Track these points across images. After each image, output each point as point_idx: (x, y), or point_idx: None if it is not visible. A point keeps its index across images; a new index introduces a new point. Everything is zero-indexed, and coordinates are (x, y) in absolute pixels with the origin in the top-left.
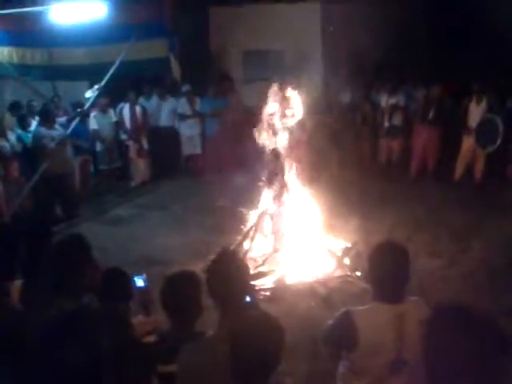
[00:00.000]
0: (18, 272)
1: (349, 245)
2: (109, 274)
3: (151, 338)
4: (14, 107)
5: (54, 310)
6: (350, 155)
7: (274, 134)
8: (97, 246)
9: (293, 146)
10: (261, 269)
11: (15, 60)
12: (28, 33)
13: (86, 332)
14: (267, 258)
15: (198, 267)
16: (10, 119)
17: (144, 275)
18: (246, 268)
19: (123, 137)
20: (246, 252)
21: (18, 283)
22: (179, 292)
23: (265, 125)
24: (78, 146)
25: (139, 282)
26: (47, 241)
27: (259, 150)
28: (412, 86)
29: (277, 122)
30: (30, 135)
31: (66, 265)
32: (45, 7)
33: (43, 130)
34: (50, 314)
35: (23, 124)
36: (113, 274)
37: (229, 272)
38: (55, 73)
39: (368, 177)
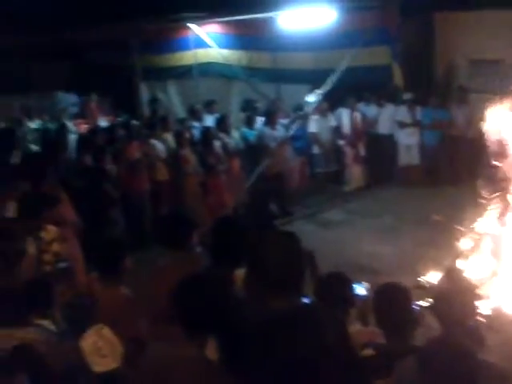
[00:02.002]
0: (242, 262)
1: None
2: (331, 278)
3: (368, 352)
4: (247, 105)
5: (274, 304)
6: None
7: (503, 150)
8: (306, 247)
9: None
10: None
11: (243, 63)
12: (256, 37)
13: (316, 329)
14: (484, 283)
15: (407, 280)
16: (239, 117)
17: (366, 284)
18: (473, 290)
19: (340, 142)
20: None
21: (240, 272)
22: (395, 305)
23: (492, 141)
24: (296, 148)
25: (360, 289)
26: (270, 235)
27: (483, 165)
28: None
29: (507, 138)
30: (254, 133)
31: (284, 260)
32: (275, 13)
33: (267, 130)
34: (267, 306)
35: (250, 122)
36: (335, 278)
37: (455, 292)
38: (279, 76)
39: None
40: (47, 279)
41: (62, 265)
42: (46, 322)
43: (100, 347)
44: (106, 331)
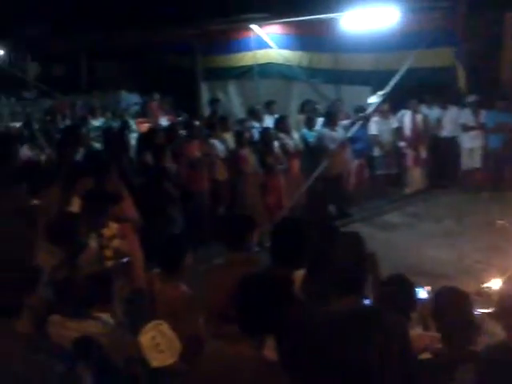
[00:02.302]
0: (304, 263)
1: None
2: (394, 280)
3: (426, 356)
4: (307, 106)
5: (333, 305)
6: None
7: None
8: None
9: None
10: None
11: (304, 63)
12: (317, 38)
13: (381, 331)
14: None
15: (468, 285)
16: (298, 118)
17: (428, 288)
18: None
19: (401, 144)
20: None
21: (300, 273)
22: (454, 309)
23: None
24: (356, 149)
25: (422, 293)
26: (334, 236)
27: None
28: None
29: None
30: (313, 134)
31: (348, 261)
32: (337, 14)
33: (326, 131)
34: (329, 307)
35: (310, 123)
36: (398, 281)
37: None
38: (340, 77)
39: None
40: (108, 274)
41: (123, 260)
42: (105, 316)
43: (158, 343)
44: (165, 327)
